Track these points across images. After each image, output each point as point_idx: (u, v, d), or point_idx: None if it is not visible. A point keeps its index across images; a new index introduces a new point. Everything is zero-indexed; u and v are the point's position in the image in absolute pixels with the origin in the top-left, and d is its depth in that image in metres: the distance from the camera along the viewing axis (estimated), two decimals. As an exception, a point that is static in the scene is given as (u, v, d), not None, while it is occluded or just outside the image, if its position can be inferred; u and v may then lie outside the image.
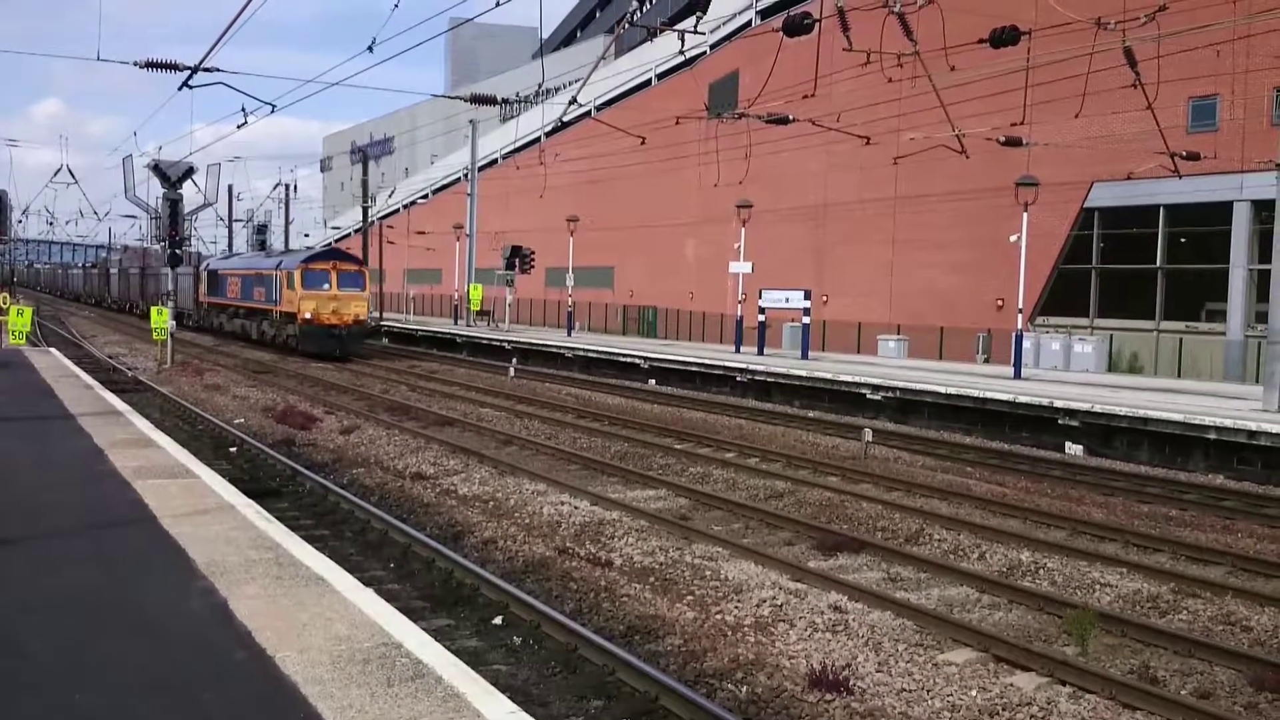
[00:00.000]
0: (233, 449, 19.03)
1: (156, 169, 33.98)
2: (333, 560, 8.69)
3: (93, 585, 7.57)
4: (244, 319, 46.33)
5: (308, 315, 38.23)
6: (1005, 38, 19.27)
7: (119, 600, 7.23)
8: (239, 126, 25.41)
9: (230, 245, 77.24)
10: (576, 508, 14.37)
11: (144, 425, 16.32)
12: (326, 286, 38.79)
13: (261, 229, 73.71)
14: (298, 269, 38.99)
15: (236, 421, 22.19)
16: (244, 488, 12.05)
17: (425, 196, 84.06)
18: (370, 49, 20.03)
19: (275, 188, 74.13)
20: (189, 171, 34.27)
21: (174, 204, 33.82)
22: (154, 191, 41.74)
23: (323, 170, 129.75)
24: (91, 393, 20.84)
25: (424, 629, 7.07)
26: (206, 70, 21.74)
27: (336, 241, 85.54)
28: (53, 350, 33.21)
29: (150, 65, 22.14)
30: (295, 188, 74.35)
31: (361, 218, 58.34)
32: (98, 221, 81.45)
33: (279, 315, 40.87)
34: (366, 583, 8.31)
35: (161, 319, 33.69)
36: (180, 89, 22.42)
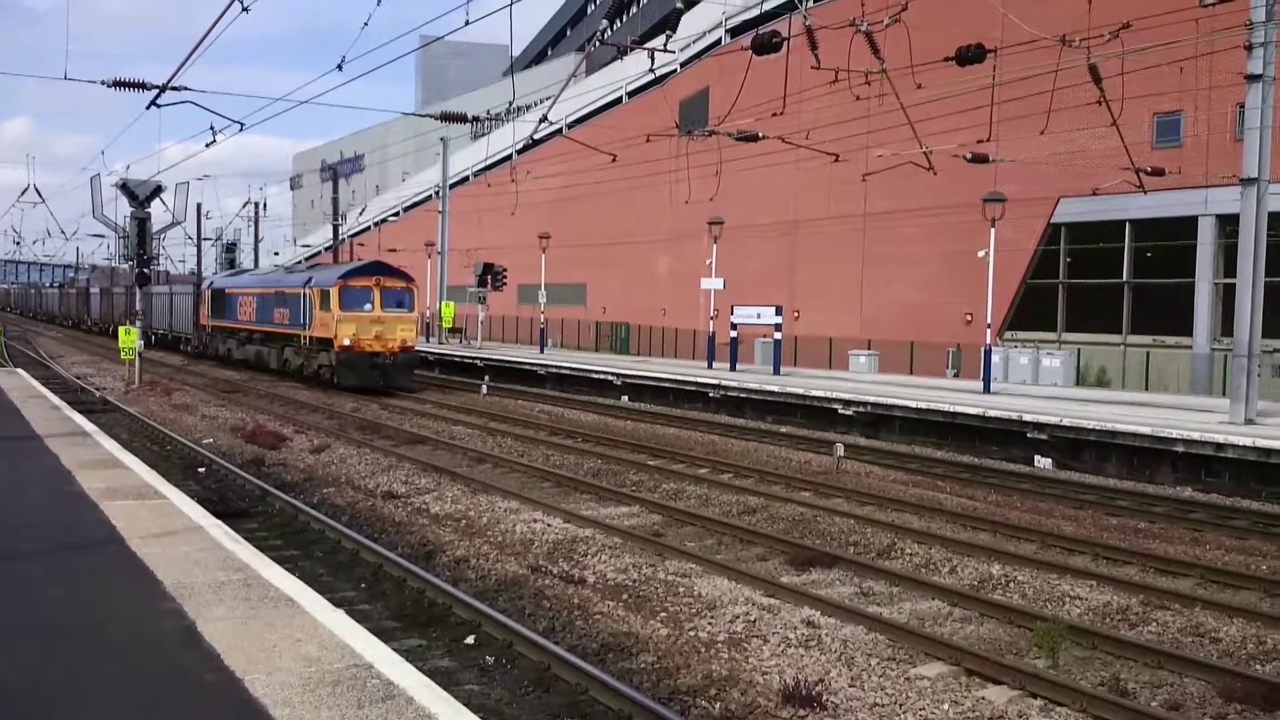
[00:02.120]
0: (201, 469, 18.88)
1: (124, 188, 33.75)
2: (303, 581, 8.63)
3: (59, 607, 7.50)
4: (260, 345, 40.13)
5: (346, 342, 32.22)
6: (971, 56, 19.47)
7: (86, 622, 7.16)
8: (207, 145, 25.31)
9: (199, 264, 76.71)
10: (549, 525, 14.35)
11: (112, 446, 16.18)
12: (369, 307, 32.83)
13: (231, 247, 73.31)
14: (335, 286, 32.80)
15: (205, 441, 22.02)
16: (213, 508, 11.97)
17: (396, 214, 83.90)
18: (340, 67, 20.04)
19: (244, 206, 73.82)
20: (157, 190, 34.06)
21: (141, 223, 33.59)
22: (122, 210, 40.06)
23: (293, 188, 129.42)
24: (59, 413, 20.66)
25: (395, 649, 7.04)
26: (175, 89, 21.66)
27: (307, 259, 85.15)
28: (20, 371, 32.88)
29: (118, 84, 22.03)
30: (265, 206, 74.06)
31: (332, 236, 58.14)
32: (65, 241, 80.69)
33: (308, 341, 34.83)
34: (337, 604, 8.25)
35: (129, 339, 33.45)
36: (149, 108, 22.34)
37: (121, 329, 34.70)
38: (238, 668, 6.23)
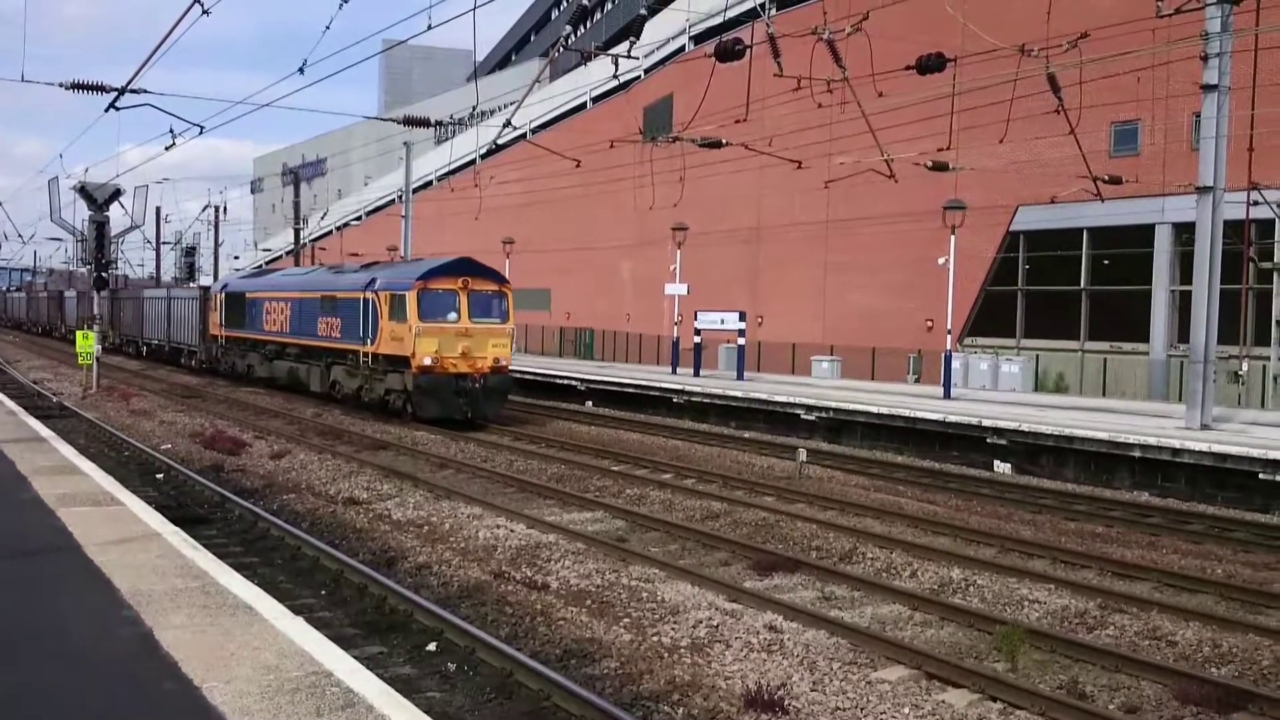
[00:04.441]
0: (160, 475, 18.68)
1: (83, 191, 33.40)
2: (262, 588, 8.57)
3: (14, 615, 7.40)
4: (296, 363, 33.18)
5: (427, 361, 25.72)
6: (931, 64, 19.62)
7: (41, 630, 7.07)
8: (167, 148, 25.07)
9: (158, 268, 75.97)
10: (513, 531, 14.31)
11: (69, 451, 16.00)
12: (454, 316, 26.30)
13: (190, 251, 72.58)
14: (413, 289, 26.18)
15: (164, 447, 21.80)
16: (171, 515, 11.85)
17: (359, 218, 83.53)
18: (302, 70, 19.89)
19: (204, 209, 73.14)
20: (116, 193, 33.72)
21: (100, 227, 33.23)
22: (80, 214, 38.12)
23: (253, 192, 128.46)
24: (15, 418, 20.41)
25: (355, 657, 7.00)
26: (134, 91, 21.43)
27: (269, 264, 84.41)
28: (-27, 376, 32.42)
29: (76, 86, 21.77)
30: (225, 209, 73.39)
31: (293, 240, 57.74)
32: (22, 245, 79.57)
33: (372, 360, 28.03)
34: (297, 611, 8.20)
35: (87, 343, 33.07)
36: (108, 110, 22.08)
37: (79, 333, 34.30)
38: (195, 676, 6.17)
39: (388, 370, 27.46)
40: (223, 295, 39.24)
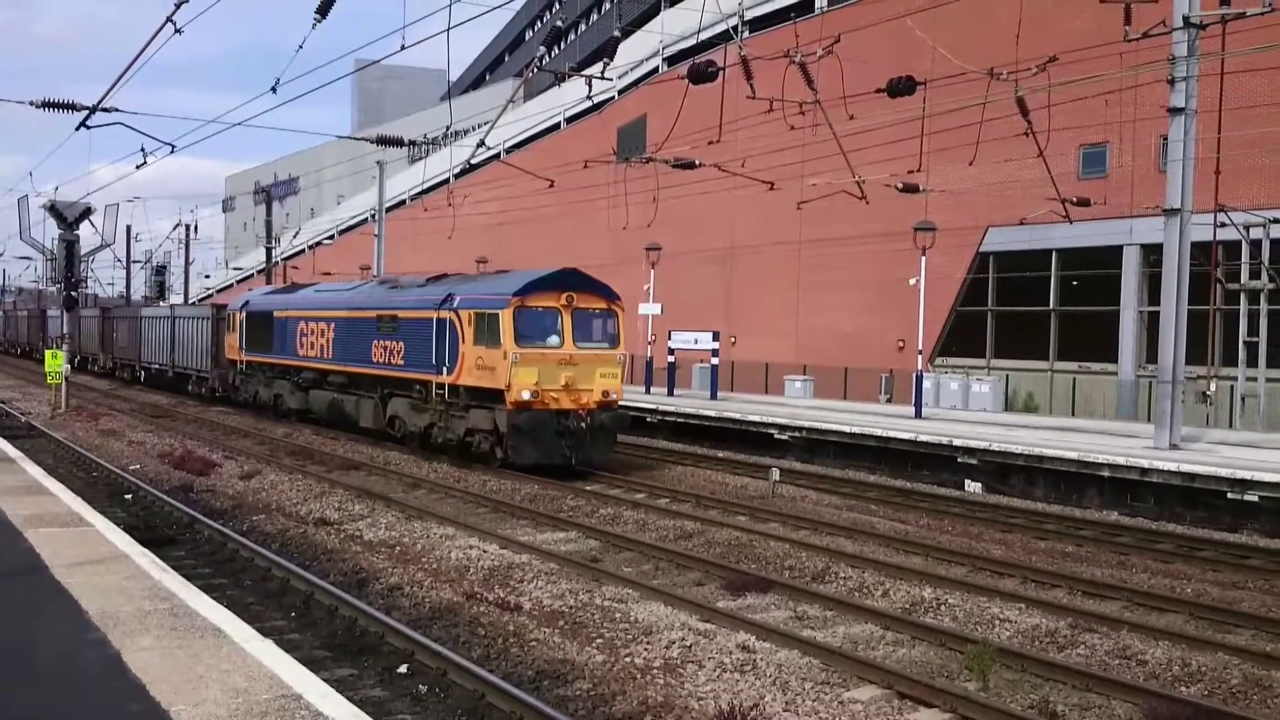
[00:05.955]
0: (128, 496, 18.52)
1: (53, 209, 33.17)
2: (231, 610, 8.52)
3: (-22, 640, 7.31)
4: (343, 394, 28.08)
5: (525, 395, 21.04)
6: (902, 88, 19.78)
7: (8, 651, 7.00)
8: (138, 167, 24.94)
9: (128, 287, 75.42)
10: (485, 551, 14.27)
11: (36, 472, 15.86)
12: (555, 340, 21.65)
13: (161, 270, 72.13)
14: (509, 307, 21.37)
15: (132, 468, 21.62)
16: (139, 536, 11.78)
17: (331, 237, 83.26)
18: (274, 89, 19.83)
19: (175, 228, 72.72)
20: (86, 212, 33.50)
21: (70, 245, 33.00)
22: (50, 232, 37.17)
23: (225, 210, 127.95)
24: (-21, 439, 20.18)
25: (325, 679, 6.96)
26: (105, 110, 21.32)
27: (240, 283, 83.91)
28: (-62, 395, 32.07)
29: (47, 105, 21.64)
30: (196, 228, 73.05)
31: (265, 258, 57.50)
32: (-9, 263, 78.74)
33: (449, 393, 23.08)
34: (266, 633, 8.15)
35: (56, 362, 32.79)
36: (78, 129, 21.97)
37: (49, 352, 34.01)
38: (163, 699, 6.12)
39: (470, 405, 22.66)
40: (243, 314, 34.29)
